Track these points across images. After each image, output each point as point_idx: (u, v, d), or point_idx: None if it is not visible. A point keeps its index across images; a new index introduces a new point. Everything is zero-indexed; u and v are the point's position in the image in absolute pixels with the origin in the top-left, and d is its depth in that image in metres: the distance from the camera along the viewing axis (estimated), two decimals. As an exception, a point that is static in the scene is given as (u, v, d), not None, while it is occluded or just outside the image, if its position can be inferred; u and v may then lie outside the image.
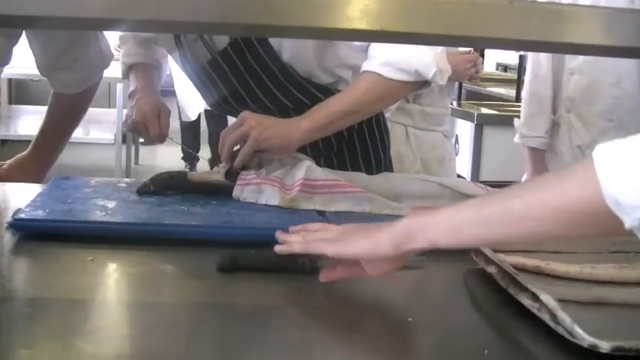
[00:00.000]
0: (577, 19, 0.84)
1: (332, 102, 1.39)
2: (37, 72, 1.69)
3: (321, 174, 1.24)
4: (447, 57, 1.41)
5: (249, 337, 0.80)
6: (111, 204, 1.18)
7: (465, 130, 3.35)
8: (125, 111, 5.31)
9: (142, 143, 6.66)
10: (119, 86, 4.71)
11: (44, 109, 1.74)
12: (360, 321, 0.88)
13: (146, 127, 1.49)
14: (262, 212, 1.19)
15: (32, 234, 1.07)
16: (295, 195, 1.22)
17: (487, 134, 3.25)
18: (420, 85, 1.40)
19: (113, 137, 4.82)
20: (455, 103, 3.64)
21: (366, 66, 1.38)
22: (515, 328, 0.86)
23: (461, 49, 2.48)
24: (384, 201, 1.22)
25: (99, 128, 5.03)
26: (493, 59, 8.96)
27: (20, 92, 6.28)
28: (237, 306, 0.92)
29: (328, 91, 1.47)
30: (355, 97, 1.38)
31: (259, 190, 1.24)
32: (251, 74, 1.44)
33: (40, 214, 1.10)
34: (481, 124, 3.23)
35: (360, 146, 1.58)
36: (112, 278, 1.01)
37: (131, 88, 1.60)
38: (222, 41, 1.45)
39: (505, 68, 7.57)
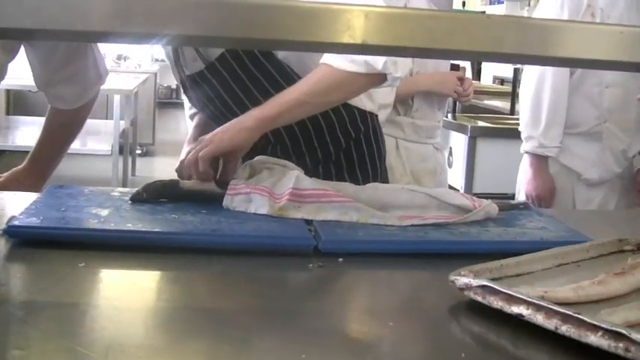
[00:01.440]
0: (554, 32, 0.87)
1: (285, 92, 1.41)
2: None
3: (310, 184, 1.27)
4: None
5: (238, 339, 0.83)
6: (104, 212, 1.20)
7: (458, 142, 3.38)
8: (122, 122, 5.32)
9: (139, 155, 6.70)
10: (116, 98, 4.77)
11: (42, 120, 1.78)
12: (344, 323, 0.91)
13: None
14: (251, 221, 1.22)
15: (26, 241, 1.10)
16: (284, 204, 1.24)
17: (481, 147, 3.28)
18: (379, 78, 1.42)
19: (110, 148, 4.86)
20: (450, 115, 3.68)
21: (322, 59, 1.42)
22: (496, 336, 0.89)
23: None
24: (371, 210, 1.25)
25: (96, 140, 5.08)
26: (490, 72, 9.00)
27: (18, 103, 6.33)
28: (226, 309, 0.95)
29: None
30: (307, 87, 1.41)
31: (249, 200, 1.27)
32: (249, 77, 1.49)
33: (33, 221, 1.13)
34: (475, 136, 3.26)
35: (357, 155, 1.62)
36: (103, 282, 1.03)
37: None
38: (214, 50, 1.50)
39: (502, 81, 7.62)
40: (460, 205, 1.29)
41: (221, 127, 1.40)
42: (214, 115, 1.59)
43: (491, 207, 1.30)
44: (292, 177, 1.28)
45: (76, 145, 4.82)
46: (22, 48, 1.63)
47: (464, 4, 11.99)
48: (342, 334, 0.89)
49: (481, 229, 1.24)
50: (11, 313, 0.87)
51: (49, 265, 1.03)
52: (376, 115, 1.70)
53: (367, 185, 1.40)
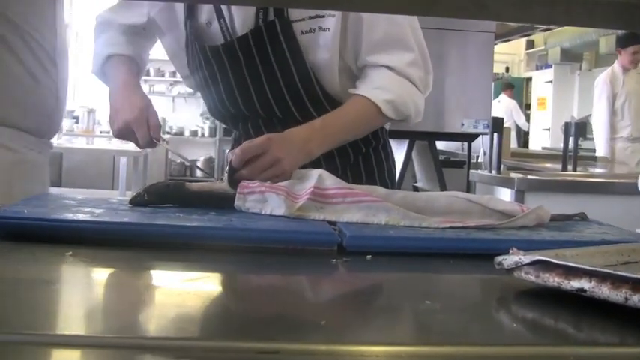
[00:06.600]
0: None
1: (332, 126, 1.52)
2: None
3: (334, 183, 1.23)
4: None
5: (254, 315, 0.79)
6: (97, 211, 1.17)
7: (504, 198, 3.33)
8: (129, 193, 5.35)
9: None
10: (122, 160, 4.77)
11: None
12: (380, 300, 0.87)
13: (133, 131, 1.49)
14: (266, 221, 1.18)
15: (10, 234, 1.07)
16: (304, 204, 1.20)
17: (529, 201, 3.22)
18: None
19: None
20: (494, 172, 3.65)
21: (368, 94, 1.54)
22: (554, 320, 0.84)
23: None
24: (403, 211, 1.19)
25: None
26: (538, 144, 9.22)
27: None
28: (234, 282, 0.91)
29: (336, 103, 1.56)
30: (351, 126, 1.57)
31: (263, 200, 1.23)
32: (265, 66, 1.50)
33: (17, 214, 1.10)
34: (522, 190, 3.21)
35: (365, 171, 1.67)
36: (89, 269, 0.99)
37: (110, 85, 1.57)
38: (242, 27, 1.51)
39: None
40: (506, 210, 1.24)
41: (282, 146, 1.41)
42: (221, 113, 1.64)
43: (543, 210, 1.24)
44: (314, 176, 1.24)
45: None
46: None
47: (507, 69, 12.22)
48: (370, 309, 0.84)
49: (532, 232, 1.19)
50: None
51: (34, 255, 1.00)
52: (386, 130, 1.76)
53: (399, 191, 1.35)
